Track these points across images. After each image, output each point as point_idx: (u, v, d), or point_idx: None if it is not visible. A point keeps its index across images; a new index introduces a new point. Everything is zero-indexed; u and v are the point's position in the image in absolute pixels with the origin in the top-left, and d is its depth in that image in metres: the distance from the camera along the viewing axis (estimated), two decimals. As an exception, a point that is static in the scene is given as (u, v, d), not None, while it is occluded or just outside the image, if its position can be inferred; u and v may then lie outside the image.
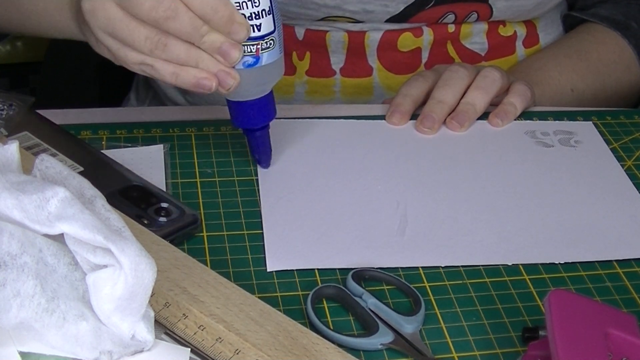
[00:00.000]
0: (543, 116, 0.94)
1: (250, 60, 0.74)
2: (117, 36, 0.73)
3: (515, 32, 1.05)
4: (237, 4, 0.72)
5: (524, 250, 0.75)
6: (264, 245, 0.74)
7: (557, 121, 0.93)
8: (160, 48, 0.72)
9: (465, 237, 0.76)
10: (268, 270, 0.71)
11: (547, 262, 0.74)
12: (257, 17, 0.73)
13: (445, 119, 0.90)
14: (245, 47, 0.73)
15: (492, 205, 0.80)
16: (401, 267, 0.72)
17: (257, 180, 0.81)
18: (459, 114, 0.89)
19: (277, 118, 0.80)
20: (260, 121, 0.79)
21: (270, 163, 0.82)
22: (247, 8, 0.72)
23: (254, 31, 0.73)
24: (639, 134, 0.93)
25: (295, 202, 0.78)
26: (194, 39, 0.72)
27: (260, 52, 0.74)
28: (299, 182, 0.81)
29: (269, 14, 0.73)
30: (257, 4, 0.72)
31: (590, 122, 0.93)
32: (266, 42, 0.74)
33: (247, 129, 0.80)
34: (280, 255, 0.72)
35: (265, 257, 0.73)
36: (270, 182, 0.80)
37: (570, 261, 0.74)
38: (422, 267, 0.73)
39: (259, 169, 0.82)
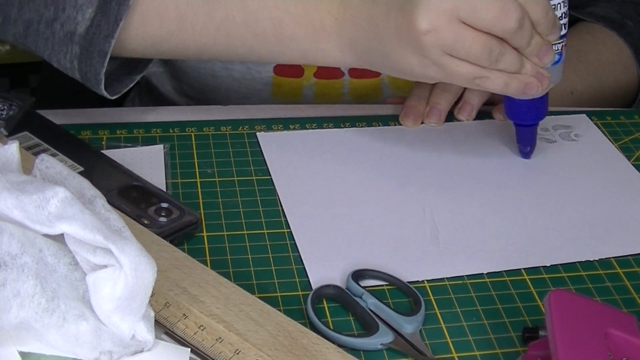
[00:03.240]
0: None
1: (556, 57, 0.78)
2: (460, 53, 0.72)
3: None
4: (554, 6, 0.76)
5: (548, 252, 0.76)
6: (264, 245, 0.74)
7: (552, 116, 0.93)
8: (500, 59, 0.73)
9: (499, 241, 0.76)
10: (313, 287, 0.70)
11: (572, 262, 0.75)
12: (565, 16, 0.78)
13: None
14: (554, 45, 0.77)
15: (519, 208, 0.81)
16: (447, 278, 0.72)
17: (256, 180, 0.81)
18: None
19: (288, 129, 0.81)
20: (537, 118, 0.83)
21: (531, 156, 0.86)
22: (560, 9, 0.77)
23: (562, 30, 0.77)
24: (639, 134, 0.93)
25: (323, 216, 0.78)
26: (525, 45, 0.73)
27: (562, 49, 0.78)
28: (321, 195, 0.80)
29: (568, 11, 0.78)
30: (565, 4, 0.78)
31: (584, 114, 0.94)
32: (566, 40, 0.79)
33: (521, 124, 0.84)
34: (321, 270, 0.72)
35: (266, 256, 0.73)
36: (292, 195, 0.80)
37: (600, 257, 0.76)
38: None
39: (277, 183, 0.81)
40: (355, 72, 1.01)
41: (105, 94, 0.80)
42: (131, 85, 0.84)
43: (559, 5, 0.78)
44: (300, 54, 0.81)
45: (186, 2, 0.79)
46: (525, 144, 0.86)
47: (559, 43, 0.78)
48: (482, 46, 0.72)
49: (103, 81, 0.79)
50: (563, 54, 0.80)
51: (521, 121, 0.84)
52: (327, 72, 1.01)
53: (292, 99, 1.01)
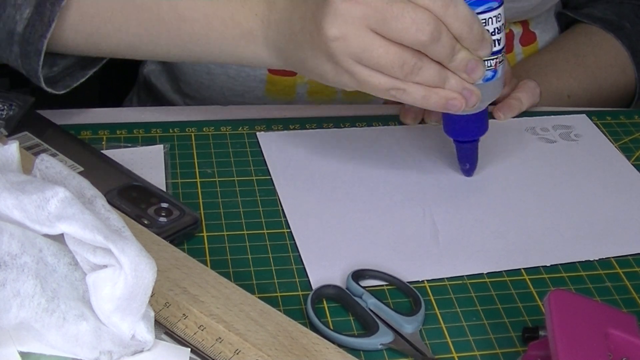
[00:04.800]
0: (542, 116, 0.94)
1: (489, 74, 0.75)
2: (370, 62, 0.70)
3: (511, 30, 1.05)
4: (484, 21, 0.73)
5: (548, 252, 0.76)
6: (264, 245, 0.74)
7: (552, 116, 0.93)
8: (415, 72, 0.71)
9: (499, 241, 0.76)
10: (313, 287, 0.70)
11: (572, 262, 0.75)
12: (499, 31, 0.75)
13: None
14: (486, 61, 0.74)
15: (519, 208, 0.81)
16: (447, 277, 0.72)
17: (256, 180, 0.81)
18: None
19: (288, 129, 0.80)
20: (475, 134, 0.80)
21: (473, 173, 0.83)
22: (492, 24, 0.74)
23: (495, 45, 0.74)
24: (639, 134, 0.93)
25: (323, 216, 0.78)
26: (447, 59, 0.71)
27: (497, 65, 0.75)
28: (321, 195, 0.80)
29: (503, 27, 0.75)
30: (499, 19, 0.74)
31: (584, 115, 0.94)
32: (502, 55, 0.76)
33: (459, 141, 0.81)
34: (321, 271, 0.72)
35: (268, 256, 0.73)
36: (292, 195, 0.80)
37: (600, 258, 0.75)
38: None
39: (277, 183, 0.81)
40: None
41: (49, 90, 0.82)
42: (82, 80, 0.85)
43: (490, 20, 0.74)
44: (230, 55, 0.81)
45: (119, 3, 0.80)
46: (465, 161, 0.83)
47: (493, 59, 0.75)
48: (393, 57, 0.70)
49: (42, 79, 0.81)
50: (499, 70, 0.76)
51: (458, 137, 0.81)
52: None
53: (285, 96, 1.01)
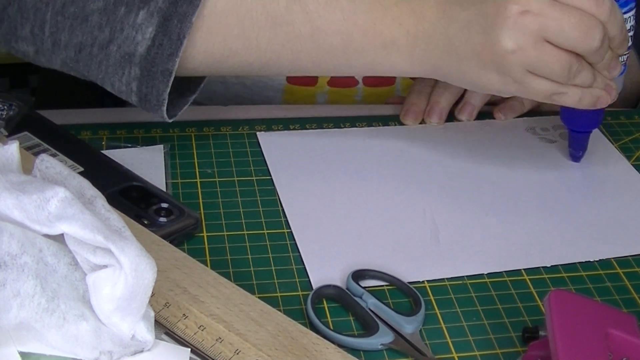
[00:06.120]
0: (543, 116, 0.94)
1: (621, 69, 0.80)
2: (543, 71, 0.73)
3: None
4: (626, 20, 0.78)
5: (548, 253, 0.76)
6: (264, 245, 0.74)
7: (552, 116, 0.93)
8: (576, 75, 0.74)
9: (499, 242, 0.76)
10: (313, 287, 0.70)
11: (572, 262, 0.75)
12: (633, 29, 0.81)
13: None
14: (620, 57, 0.78)
15: (519, 208, 0.81)
16: (447, 278, 0.72)
17: (256, 180, 0.81)
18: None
19: (288, 129, 0.80)
20: (593, 125, 0.85)
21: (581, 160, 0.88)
22: (629, 22, 0.80)
23: (628, 42, 0.79)
24: (639, 134, 0.93)
25: (323, 216, 0.78)
26: (600, 61, 0.74)
27: (627, 59, 0.82)
28: (321, 195, 0.80)
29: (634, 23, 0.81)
30: (634, 17, 0.80)
31: None
32: (629, 50, 0.81)
33: (576, 131, 0.86)
34: (321, 271, 0.72)
35: (266, 254, 0.73)
36: (292, 195, 0.80)
37: (600, 258, 0.76)
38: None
39: (277, 183, 0.81)
40: (369, 81, 1.00)
41: (165, 116, 0.77)
42: (185, 108, 0.80)
43: (629, 18, 0.79)
44: (368, 66, 0.79)
45: (250, 18, 0.75)
46: (578, 149, 0.87)
47: (625, 54, 0.81)
48: (563, 64, 0.73)
49: (166, 102, 0.76)
50: (626, 64, 0.83)
51: (578, 128, 0.86)
52: (341, 81, 0.99)
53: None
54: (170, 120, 0.79)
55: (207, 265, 0.66)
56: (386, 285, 0.71)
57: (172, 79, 0.75)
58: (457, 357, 0.65)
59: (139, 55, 0.74)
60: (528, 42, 0.72)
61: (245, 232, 0.75)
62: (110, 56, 0.74)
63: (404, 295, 0.70)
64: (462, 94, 0.92)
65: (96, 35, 0.74)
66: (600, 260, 0.75)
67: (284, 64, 0.78)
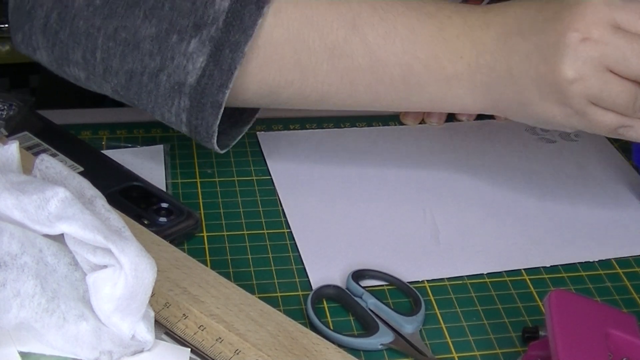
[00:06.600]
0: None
1: None
2: (606, 102, 0.68)
3: None
4: None
5: (548, 253, 0.76)
6: (264, 245, 0.74)
7: None
8: None
9: (499, 242, 0.76)
10: (313, 287, 0.70)
11: (572, 262, 0.75)
12: None
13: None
14: None
15: (519, 208, 0.81)
16: (447, 278, 0.72)
17: (256, 180, 0.81)
18: None
19: (288, 129, 0.80)
20: None
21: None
22: None
23: None
24: (639, 134, 0.93)
25: (323, 216, 0.78)
26: None
27: None
28: (321, 195, 0.80)
29: None
30: None
31: None
32: None
33: None
34: (321, 271, 0.72)
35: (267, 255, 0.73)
36: (292, 195, 0.80)
37: (600, 259, 0.76)
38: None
39: (277, 183, 0.81)
40: None
41: (217, 148, 0.74)
42: (238, 139, 0.78)
43: None
44: (429, 100, 0.75)
45: (307, 49, 0.72)
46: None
47: None
48: (628, 94, 0.68)
49: (216, 134, 0.73)
50: None
51: None
52: None
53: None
54: (223, 152, 0.76)
55: (207, 265, 0.66)
56: (386, 285, 0.71)
57: (222, 111, 0.71)
58: (457, 357, 0.65)
59: (189, 85, 0.71)
60: (589, 71, 0.67)
61: (245, 232, 0.75)
62: (160, 85, 0.72)
63: (404, 295, 0.70)
64: None
65: (147, 63, 0.71)
66: (600, 260, 0.75)
67: (342, 96, 0.75)
